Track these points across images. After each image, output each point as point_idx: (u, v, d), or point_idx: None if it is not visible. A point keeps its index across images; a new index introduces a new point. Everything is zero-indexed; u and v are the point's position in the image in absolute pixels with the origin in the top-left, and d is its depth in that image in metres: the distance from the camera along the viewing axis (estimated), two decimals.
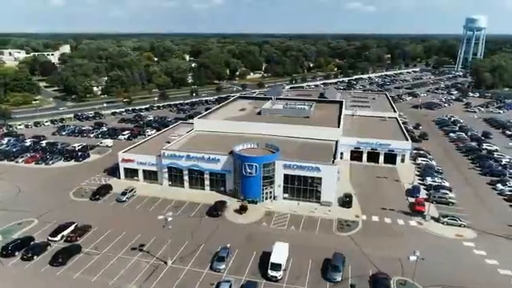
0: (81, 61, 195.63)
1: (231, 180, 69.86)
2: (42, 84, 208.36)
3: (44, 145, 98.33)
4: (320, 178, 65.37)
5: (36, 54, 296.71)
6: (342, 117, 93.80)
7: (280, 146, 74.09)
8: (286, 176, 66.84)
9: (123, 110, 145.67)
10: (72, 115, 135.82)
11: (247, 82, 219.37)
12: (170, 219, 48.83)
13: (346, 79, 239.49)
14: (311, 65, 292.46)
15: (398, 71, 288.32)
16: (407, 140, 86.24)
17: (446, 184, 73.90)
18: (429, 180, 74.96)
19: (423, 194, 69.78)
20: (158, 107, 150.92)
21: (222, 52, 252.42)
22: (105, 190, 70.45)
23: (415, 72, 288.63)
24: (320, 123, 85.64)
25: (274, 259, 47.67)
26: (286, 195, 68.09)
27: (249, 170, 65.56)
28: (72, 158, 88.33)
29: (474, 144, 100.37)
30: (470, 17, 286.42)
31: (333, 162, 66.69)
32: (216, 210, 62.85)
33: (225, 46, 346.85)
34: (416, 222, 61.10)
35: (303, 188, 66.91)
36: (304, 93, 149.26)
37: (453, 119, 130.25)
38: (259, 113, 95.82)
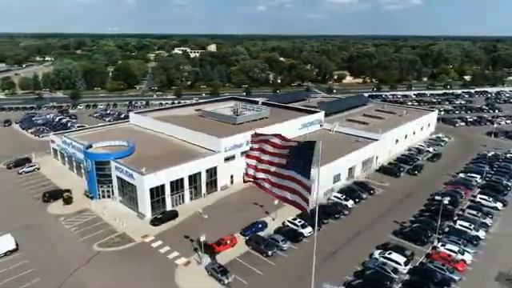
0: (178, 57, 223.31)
1: None
2: None
3: (63, 122, 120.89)
4: (135, 186, 60.40)
5: (175, 52, 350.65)
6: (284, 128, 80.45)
7: (157, 148, 72.19)
8: (118, 178, 64.35)
9: (170, 102, 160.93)
10: (127, 102, 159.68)
11: (327, 86, 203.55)
12: None
13: (458, 91, 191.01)
14: (434, 71, 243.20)
15: None
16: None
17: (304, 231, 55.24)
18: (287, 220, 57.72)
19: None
20: (200, 102, 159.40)
21: (321, 54, 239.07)
22: (22, 162, 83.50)
23: None
24: (233, 131, 76.12)
25: None
26: (121, 198, 65.51)
27: (85, 164, 66.40)
28: None
29: (456, 193, 68.45)
30: None
31: (148, 171, 59.65)
32: (45, 196, 66.21)
33: (362, 48, 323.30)
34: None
35: (131, 194, 63.00)
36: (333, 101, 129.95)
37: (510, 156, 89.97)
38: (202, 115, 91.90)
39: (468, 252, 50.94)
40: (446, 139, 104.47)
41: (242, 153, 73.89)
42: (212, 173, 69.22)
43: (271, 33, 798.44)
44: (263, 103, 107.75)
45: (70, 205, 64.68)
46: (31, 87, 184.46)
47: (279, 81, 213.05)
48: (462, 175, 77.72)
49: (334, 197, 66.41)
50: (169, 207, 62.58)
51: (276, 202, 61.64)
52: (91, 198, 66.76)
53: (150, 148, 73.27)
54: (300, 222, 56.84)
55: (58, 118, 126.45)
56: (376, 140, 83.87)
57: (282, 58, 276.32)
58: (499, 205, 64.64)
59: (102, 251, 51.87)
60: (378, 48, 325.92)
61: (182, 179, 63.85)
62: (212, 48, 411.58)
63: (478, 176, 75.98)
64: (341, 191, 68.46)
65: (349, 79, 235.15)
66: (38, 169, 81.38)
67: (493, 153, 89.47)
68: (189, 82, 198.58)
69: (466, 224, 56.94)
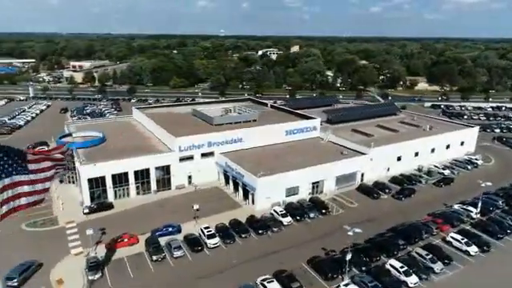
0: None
1: None
2: None
3: (104, 113, 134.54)
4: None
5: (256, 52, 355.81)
6: (254, 132, 77.29)
7: (130, 142, 76.84)
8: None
9: (213, 99, 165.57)
10: (175, 98, 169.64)
11: (388, 92, 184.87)
12: None
13: None
14: None
15: None
16: (257, 176, 61.57)
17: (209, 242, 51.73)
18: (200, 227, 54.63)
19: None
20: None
21: (400, 58, 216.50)
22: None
23: None
24: (204, 131, 75.36)
25: None
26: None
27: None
28: None
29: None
30: None
31: (86, 162, 62.71)
32: None
33: (461, 52, 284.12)
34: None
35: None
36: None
37: None
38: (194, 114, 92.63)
39: None
40: (479, 162, 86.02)
41: (203, 154, 73.14)
42: (165, 171, 69.62)
43: (379, 35, 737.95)
44: (271, 106, 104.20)
45: None
46: (109, 80, 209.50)
47: (338, 84, 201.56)
48: (456, 206, 63.40)
49: (274, 211, 60.64)
50: (111, 199, 65.01)
51: (196, 207, 59.46)
52: (61, 181, 73.26)
53: (124, 141, 76.98)
54: (209, 231, 53.52)
55: (103, 109, 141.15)
56: (363, 154, 73.85)
57: (363, 62, 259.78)
58: (473, 249, 51.05)
59: (25, 230, 56.63)
60: (482, 52, 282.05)
61: (126, 173, 65.69)
62: (295, 49, 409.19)
63: (475, 210, 61.05)
64: (286, 207, 62.19)
65: (424, 85, 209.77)
66: None
67: (484, 184, 60.68)
68: (244, 82, 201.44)
69: (398, 265, 46.49)
